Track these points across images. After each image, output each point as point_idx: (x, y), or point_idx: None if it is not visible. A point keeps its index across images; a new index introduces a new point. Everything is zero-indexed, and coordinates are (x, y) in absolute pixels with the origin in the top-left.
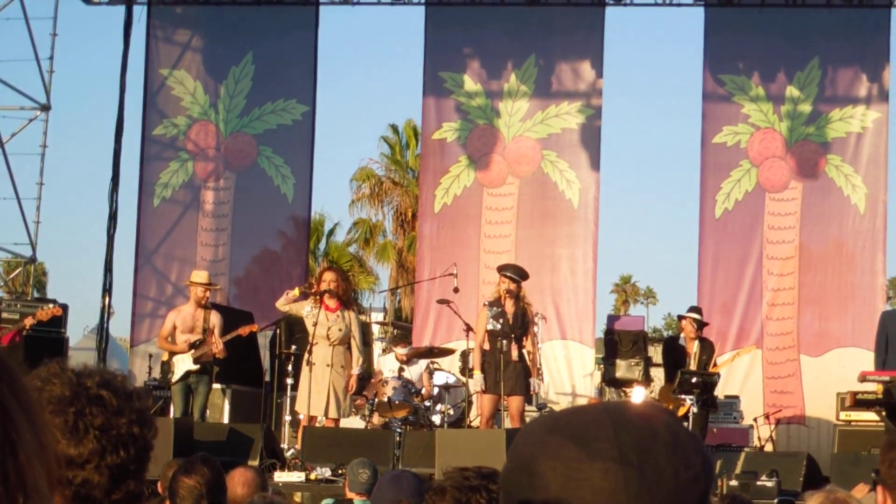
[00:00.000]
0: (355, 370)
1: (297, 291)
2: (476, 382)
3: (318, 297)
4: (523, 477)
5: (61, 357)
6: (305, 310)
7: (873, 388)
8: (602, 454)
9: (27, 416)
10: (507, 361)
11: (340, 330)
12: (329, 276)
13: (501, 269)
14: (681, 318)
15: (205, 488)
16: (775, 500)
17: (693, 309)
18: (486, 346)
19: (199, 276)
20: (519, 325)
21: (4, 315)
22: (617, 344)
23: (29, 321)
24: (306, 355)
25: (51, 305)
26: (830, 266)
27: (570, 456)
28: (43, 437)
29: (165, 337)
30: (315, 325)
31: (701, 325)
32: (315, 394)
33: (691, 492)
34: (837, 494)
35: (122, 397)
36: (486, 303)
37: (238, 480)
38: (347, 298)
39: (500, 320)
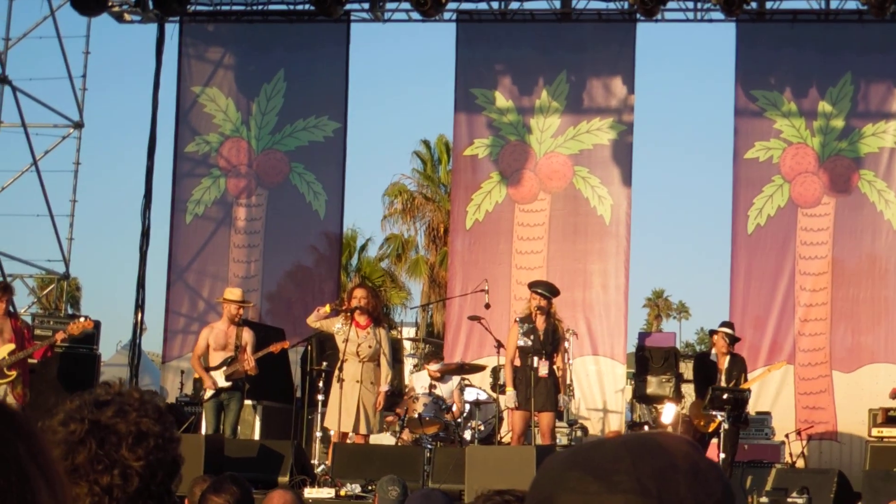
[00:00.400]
0: (384, 387)
1: (327, 308)
2: (509, 399)
3: (348, 314)
4: None
5: (91, 378)
6: (336, 326)
7: None
8: (621, 486)
9: (44, 476)
10: (538, 378)
11: (370, 347)
12: (360, 293)
13: (532, 286)
14: (712, 332)
15: None
16: None
17: (725, 324)
18: (517, 363)
19: (233, 293)
20: (549, 341)
21: (37, 331)
22: (648, 360)
23: (60, 336)
24: (336, 371)
25: (82, 319)
26: (863, 281)
27: (589, 490)
28: (59, 495)
29: (199, 355)
30: (346, 341)
31: (733, 340)
32: (345, 410)
33: None
34: None
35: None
36: (517, 319)
37: (277, 501)
38: (378, 315)
39: (531, 337)
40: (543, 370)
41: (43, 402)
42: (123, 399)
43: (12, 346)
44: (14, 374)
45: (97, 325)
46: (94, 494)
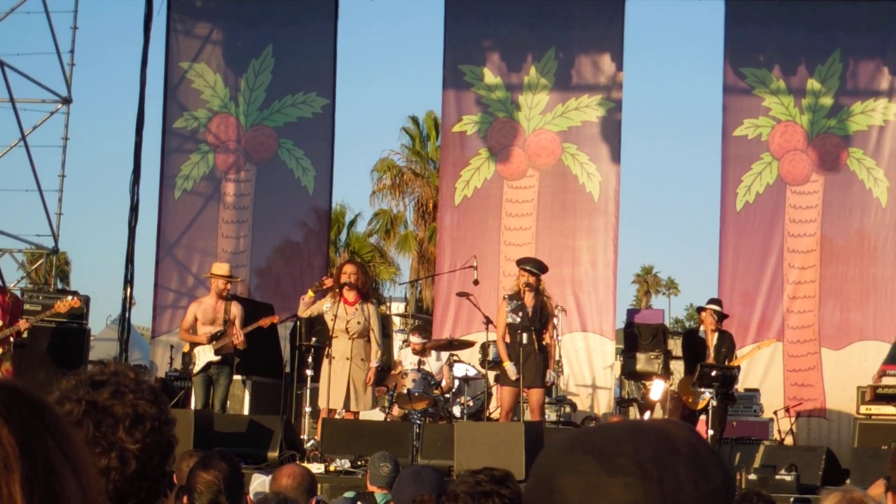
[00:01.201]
0: (374, 363)
1: (310, 293)
2: (510, 372)
3: (337, 291)
4: (544, 493)
5: (81, 353)
6: (325, 307)
7: (893, 381)
8: (622, 469)
9: (72, 467)
10: (527, 354)
11: (359, 323)
12: (349, 269)
13: (520, 263)
14: (700, 309)
15: (223, 484)
16: (791, 499)
17: (713, 301)
18: (507, 339)
19: (221, 268)
20: (538, 317)
21: (27, 306)
22: (637, 337)
23: (24, 325)
24: (326, 349)
25: (69, 298)
26: (852, 259)
27: (590, 471)
28: (87, 486)
29: (187, 329)
30: (335, 318)
31: (721, 316)
32: (334, 386)
33: None
34: (854, 494)
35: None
36: (506, 296)
37: (285, 472)
38: (367, 291)
39: (520, 313)
40: (534, 346)
41: (32, 377)
42: (119, 380)
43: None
44: (1, 350)
45: (86, 300)
46: None
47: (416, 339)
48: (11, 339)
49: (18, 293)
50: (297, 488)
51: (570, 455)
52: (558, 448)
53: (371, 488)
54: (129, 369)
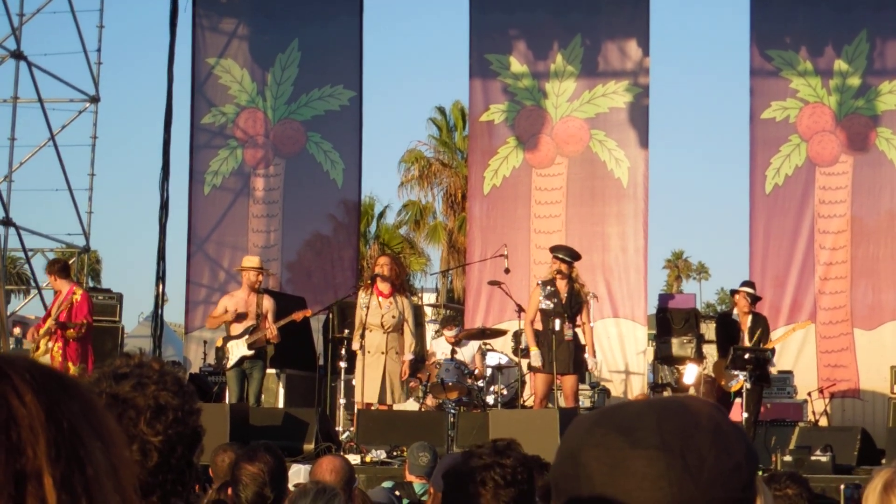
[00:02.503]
0: (407, 356)
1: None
2: (534, 358)
3: (370, 283)
4: (569, 468)
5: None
6: (361, 302)
7: None
8: (645, 442)
9: (99, 437)
10: (560, 341)
11: (394, 317)
12: (383, 261)
13: (553, 251)
14: (734, 292)
15: (268, 476)
16: (842, 486)
17: (746, 283)
18: (539, 326)
19: (251, 260)
20: (571, 304)
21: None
22: (669, 322)
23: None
24: (360, 341)
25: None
26: (883, 239)
27: (613, 445)
28: (115, 458)
29: (216, 317)
30: (367, 310)
31: (754, 299)
32: (369, 381)
33: (734, 480)
34: None
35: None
36: (539, 282)
37: (326, 468)
38: (401, 284)
39: (553, 299)
40: (568, 333)
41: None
42: (142, 371)
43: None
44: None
45: (119, 297)
46: None
47: (449, 333)
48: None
49: (51, 292)
50: (338, 481)
51: (595, 430)
52: (583, 424)
53: (410, 478)
54: (154, 361)
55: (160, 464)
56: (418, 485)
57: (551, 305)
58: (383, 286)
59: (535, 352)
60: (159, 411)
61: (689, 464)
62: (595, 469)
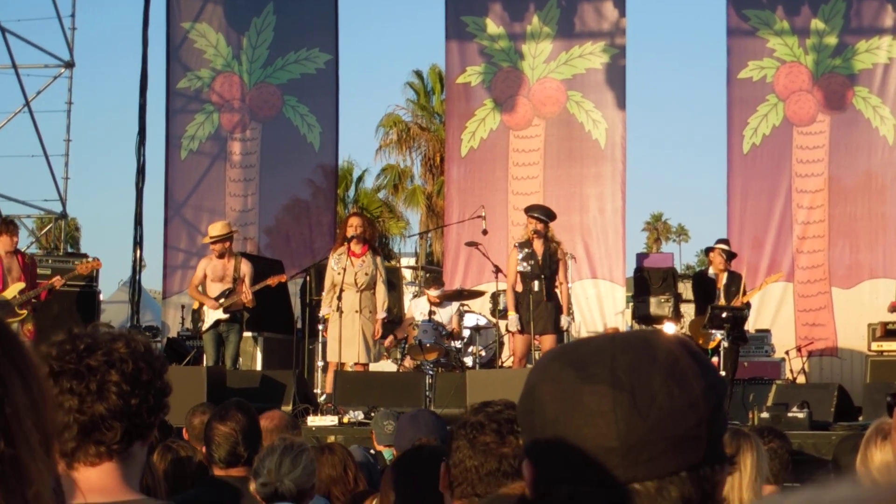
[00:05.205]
0: (380, 314)
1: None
2: (511, 322)
3: (344, 243)
4: (527, 403)
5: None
6: (332, 264)
7: None
8: (596, 378)
9: (19, 375)
10: (538, 301)
11: (367, 274)
12: (354, 221)
13: (528, 211)
14: (709, 250)
15: (240, 435)
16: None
17: (721, 241)
18: (518, 288)
19: (213, 228)
20: (548, 265)
21: (38, 271)
22: (647, 281)
23: (58, 281)
24: (335, 302)
25: (90, 259)
26: (860, 198)
27: (566, 379)
28: (36, 396)
29: (196, 285)
30: (343, 272)
31: (730, 256)
32: (345, 340)
33: (687, 418)
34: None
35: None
36: (516, 244)
37: (270, 417)
38: (373, 242)
39: (530, 261)
40: (545, 293)
41: (45, 339)
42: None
43: (22, 285)
44: (25, 312)
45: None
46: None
47: (433, 293)
48: (38, 298)
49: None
50: (274, 429)
51: (551, 365)
52: (545, 358)
53: (378, 448)
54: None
55: (126, 430)
56: (387, 452)
57: (528, 267)
58: (356, 246)
59: (513, 316)
60: (109, 382)
61: (637, 401)
62: (548, 404)
